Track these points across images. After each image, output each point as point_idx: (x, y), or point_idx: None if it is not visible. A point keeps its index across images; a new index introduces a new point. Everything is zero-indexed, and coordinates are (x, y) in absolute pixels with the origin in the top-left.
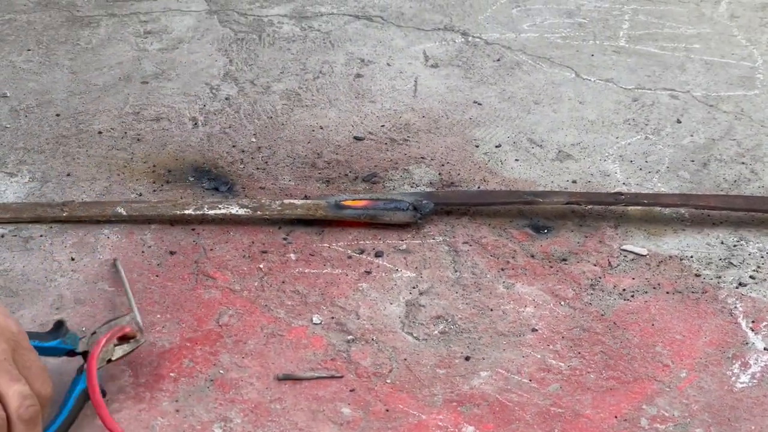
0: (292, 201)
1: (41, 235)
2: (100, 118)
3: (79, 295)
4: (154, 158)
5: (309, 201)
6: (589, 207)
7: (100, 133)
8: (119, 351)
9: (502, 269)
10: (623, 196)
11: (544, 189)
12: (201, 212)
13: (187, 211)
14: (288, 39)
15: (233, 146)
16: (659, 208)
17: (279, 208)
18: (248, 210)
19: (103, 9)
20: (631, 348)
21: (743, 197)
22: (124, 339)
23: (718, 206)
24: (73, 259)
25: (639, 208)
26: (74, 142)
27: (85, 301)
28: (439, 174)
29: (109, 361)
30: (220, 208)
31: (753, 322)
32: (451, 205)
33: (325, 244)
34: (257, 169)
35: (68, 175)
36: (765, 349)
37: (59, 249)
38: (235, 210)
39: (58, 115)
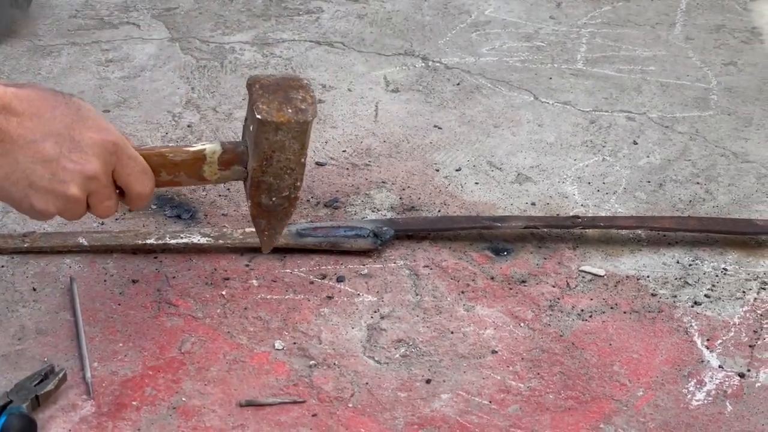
0: (254, 230)
1: (2, 266)
2: None
3: (41, 325)
4: None
5: None
6: (548, 230)
7: None
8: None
9: (463, 292)
10: (580, 220)
11: (503, 211)
12: (163, 242)
13: (149, 241)
14: (250, 66)
15: None
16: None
17: (241, 236)
18: (210, 239)
19: (64, 38)
20: (589, 368)
21: (697, 218)
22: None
23: (673, 228)
24: (34, 290)
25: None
26: None
27: (47, 331)
28: (400, 198)
29: (36, 398)
30: (182, 238)
31: (708, 340)
32: (412, 231)
33: (287, 270)
34: (219, 196)
35: None
36: (720, 366)
37: (21, 279)
38: (197, 239)
39: None
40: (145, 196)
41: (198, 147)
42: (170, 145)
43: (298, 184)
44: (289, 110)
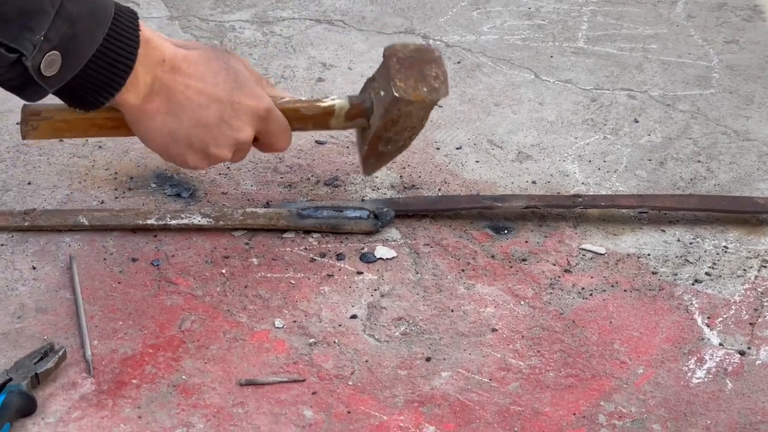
0: (254, 210)
1: (2, 244)
2: None
3: (41, 303)
4: (116, 165)
5: (271, 210)
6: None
7: (61, 140)
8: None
9: (463, 270)
10: (581, 199)
11: (504, 189)
12: (163, 222)
13: (149, 221)
14: (250, 44)
15: None
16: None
17: (241, 217)
18: (210, 220)
19: None
20: (590, 346)
21: (698, 197)
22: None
23: (674, 207)
24: (34, 268)
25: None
26: (35, 150)
27: (47, 310)
28: (400, 177)
29: (36, 376)
30: (182, 218)
31: (709, 318)
32: (412, 212)
33: (287, 248)
34: (219, 174)
35: (29, 183)
36: (720, 344)
37: (20, 258)
38: (197, 220)
39: (18, 123)
40: (282, 150)
41: (328, 102)
42: (302, 99)
43: (414, 136)
44: (424, 89)
